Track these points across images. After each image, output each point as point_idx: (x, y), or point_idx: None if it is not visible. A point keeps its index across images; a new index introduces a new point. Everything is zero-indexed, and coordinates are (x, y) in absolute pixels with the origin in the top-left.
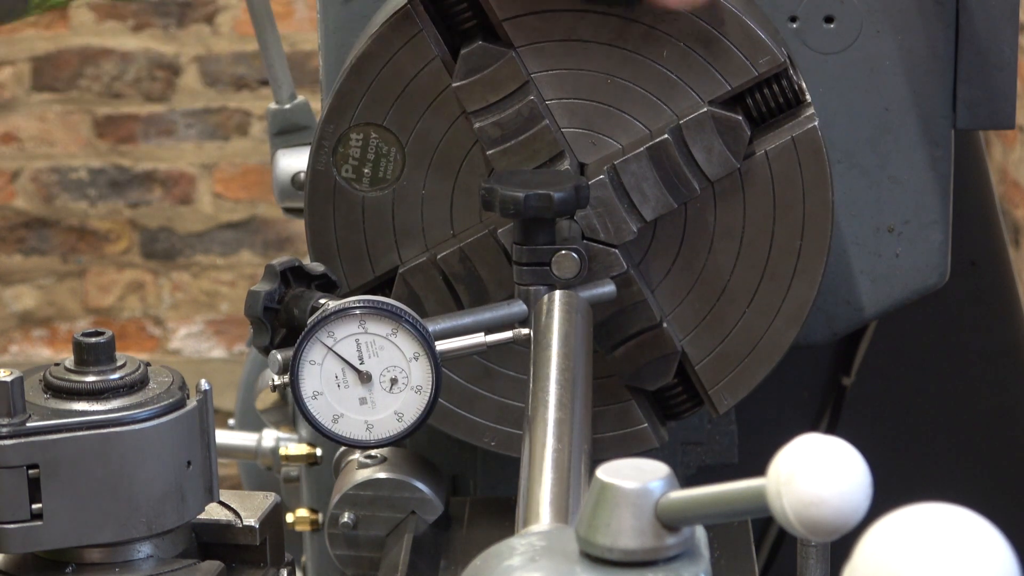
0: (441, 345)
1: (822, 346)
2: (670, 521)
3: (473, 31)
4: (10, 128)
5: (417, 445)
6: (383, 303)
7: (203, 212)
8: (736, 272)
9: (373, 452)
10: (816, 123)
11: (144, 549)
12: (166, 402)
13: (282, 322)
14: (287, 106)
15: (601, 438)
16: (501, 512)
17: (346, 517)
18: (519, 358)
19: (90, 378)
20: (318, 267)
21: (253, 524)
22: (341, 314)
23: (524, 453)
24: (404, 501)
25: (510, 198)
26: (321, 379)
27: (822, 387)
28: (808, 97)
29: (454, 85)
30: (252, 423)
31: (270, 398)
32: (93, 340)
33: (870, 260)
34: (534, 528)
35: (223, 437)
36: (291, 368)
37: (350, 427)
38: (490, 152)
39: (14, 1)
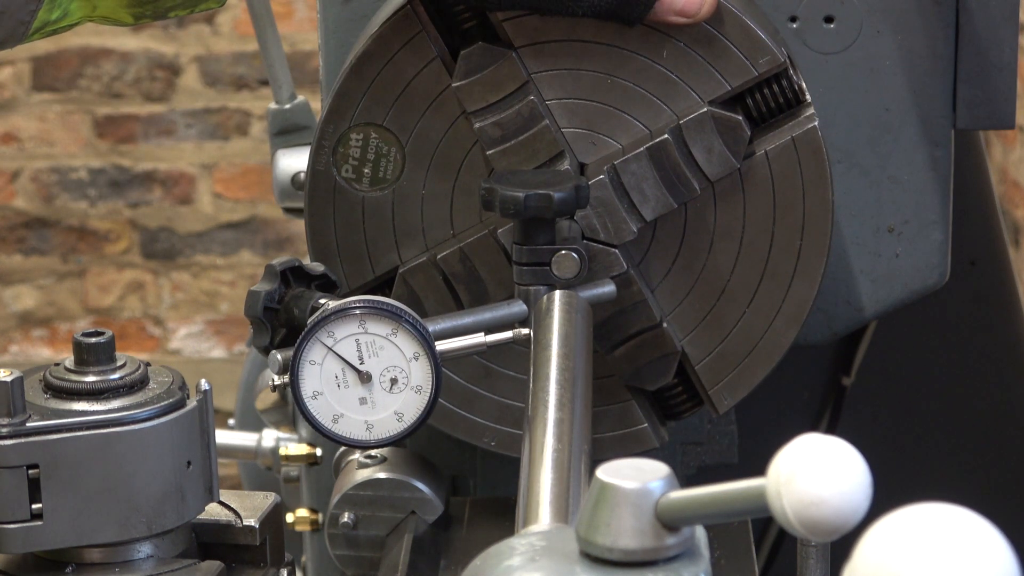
0: (441, 345)
1: (822, 346)
2: (670, 521)
3: (473, 31)
4: (10, 128)
5: (417, 445)
6: (383, 303)
7: (203, 212)
8: (736, 272)
9: (373, 452)
10: (816, 123)
11: (144, 549)
12: (166, 402)
13: (282, 322)
14: (287, 106)
15: (601, 438)
16: (501, 512)
17: (346, 517)
18: (519, 358)
19: (90, 378)
20: (318, 267)
21: (253, 524)
22: (341, 314)
23: (524, 453)
24: (404, 501)
25: (510, 198)
26: (321, 379)
27: (822, 387)
28: (808, 97)
29: (454, 85)
30: (252, 423)
31: (270, 398)
32: (93, 340)
33: (870, 260)
34: (534, 528)
35: (223, 437)
36: (291, 368)
37: (350, 427)
38: (490, 152)
39: (14, 25)
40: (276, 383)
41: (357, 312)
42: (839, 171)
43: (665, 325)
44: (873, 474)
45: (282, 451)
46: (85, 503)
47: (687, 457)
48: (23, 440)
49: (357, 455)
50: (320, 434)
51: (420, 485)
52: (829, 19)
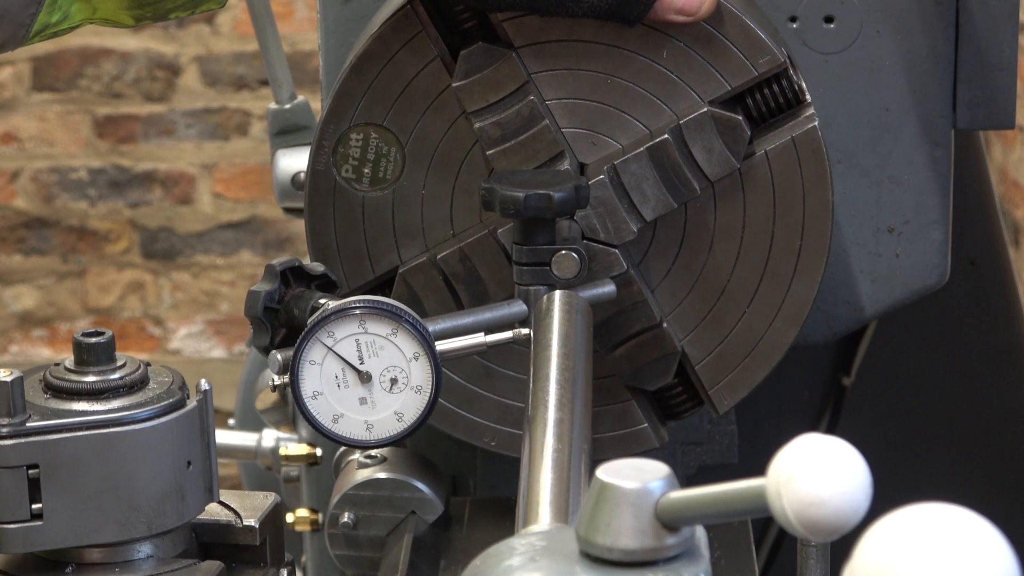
0: (441, 345)
1: (822, 346)
2: (670, 521)
3: (473, 31)
4: (10, 128)
5: (417, 445)
6: (383, 303)
7: (203, 212)
8: (736, 272)
9: (373, 452)
10: (816, 123)
11: (144, 549)
12: (166, 402)
13: (282, 322)
14: (287, 106)
15: (601, 438)
16: (501, 512)
17: (346, 517)
18: (519, 358)
19: (90, 378)
20: (318, 267)
21: (253, 524)
22: (341, 314)
23: (524, 453)
24: (404, 501)
25: (510, 198)
26: (321, 379)
27: (822, 387)
28: (808, 97)
29: (454, 85)
30: (252, 423)
31: (270, 398)
32: (93, 340)
33: (870, 260)
34: (534, 528)
35: (223, 437)
36: (291, 368)
37: (350, 427)
38: (490, 152)
39: (15, 28)
40: (276, 383)
41: (357, 312)
42: (839, 171)
43: (665, 325)
44: (873, 474)
45: (282, 451)
46: (85, 503)
47: (687, 457)
48: (23, 440)
49: (357, 455)
50: (320, 434)
51: (420, 485)
52: (829, 19)
